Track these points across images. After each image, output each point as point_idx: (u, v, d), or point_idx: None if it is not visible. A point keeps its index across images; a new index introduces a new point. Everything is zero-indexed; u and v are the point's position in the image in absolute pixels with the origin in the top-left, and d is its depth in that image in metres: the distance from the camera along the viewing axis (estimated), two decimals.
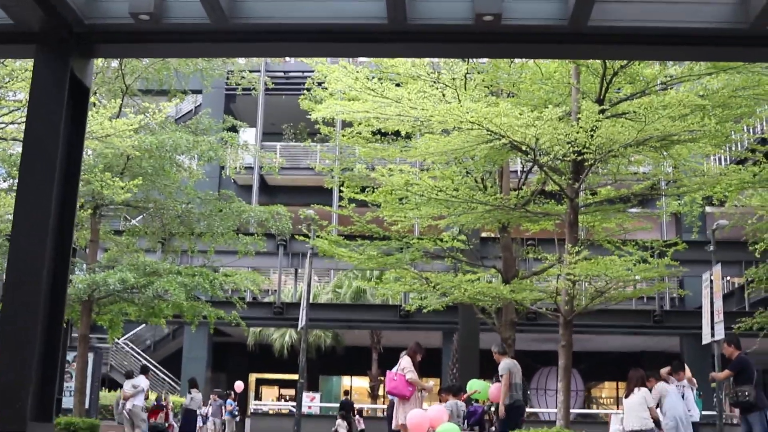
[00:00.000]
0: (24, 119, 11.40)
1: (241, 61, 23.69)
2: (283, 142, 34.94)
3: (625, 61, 13.44)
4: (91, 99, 16.76)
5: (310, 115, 15.82)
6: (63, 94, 5.59)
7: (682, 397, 13.27)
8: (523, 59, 15.74)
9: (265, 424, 27.38)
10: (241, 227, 21.42)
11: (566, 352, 13.80)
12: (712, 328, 18.83)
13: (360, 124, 16.23)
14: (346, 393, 29.13)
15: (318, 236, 19.80)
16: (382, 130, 16.06)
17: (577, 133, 12.74)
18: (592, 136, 12.76)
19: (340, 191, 20.22)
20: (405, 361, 12.55)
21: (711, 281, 19.35)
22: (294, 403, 27.65)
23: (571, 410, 15.44)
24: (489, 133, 12.76)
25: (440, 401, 15.36)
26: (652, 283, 19.73)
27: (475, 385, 15.77)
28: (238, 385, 27.72)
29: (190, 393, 22.63)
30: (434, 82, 14.79)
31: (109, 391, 28.87)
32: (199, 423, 23.86)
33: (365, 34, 5.92)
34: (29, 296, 5.33)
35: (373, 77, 14.61)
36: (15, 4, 5.38)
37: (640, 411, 11.54)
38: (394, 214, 17.74)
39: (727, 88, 13.72)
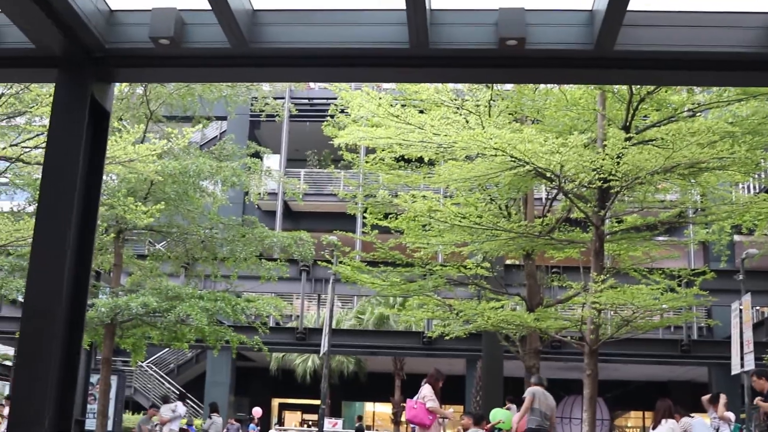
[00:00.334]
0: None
1: (266, 87, 23.79)
2: (307, 168, 35.02)
3: (652, 87, 13.30)
4: (116, 124, 16.96)
5: (333, 141, 15.79)
6: (83, 118, 5.55)
7: (717, 430, 13.00)
8: (548, 86, 15.65)
9: None
10: (264, 253, 21.38)
11: (592, 381, 13.57)
12: (742, 358, 18.48)
13: (383, 150, 16.17)
14: (360, 418, 28.90)
15: (341, 262, 19.71)
16: (405, 157, 15.99)
17: (603, 159, 12.59)
18: (618, 163, 12.61)
19: (364, 217, 20.16)
20: (426, 389, 12.38)
21: (740, 311, 19.02)
22: (316, 429, 27.47)
23: None
24: (513, 159, 12.65)
25: (463, 430, 15.10)
26: (680, 312, 19.43)
27: (498, 415, 15.53)
28: (256, 411, 27.64)
29: (210, 417, 22.56)
30: (458, 109, 14.71)
31: (133, 413, 28.88)
32: None
33: (387, 58, 5.84)
34: (47, 319, 5.27)
35: (396, 103, 14.57)
36: (36, 28, 5.36)
37: None
38: (417, 241, 17.61)
39: (758, 114, 13.53)
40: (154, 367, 34.67)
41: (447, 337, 19.39)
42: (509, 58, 5.73)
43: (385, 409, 37.92)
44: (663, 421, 11.44)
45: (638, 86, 13.29)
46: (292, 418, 40.52)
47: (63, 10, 5.19)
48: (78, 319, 5.51)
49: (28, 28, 5.45)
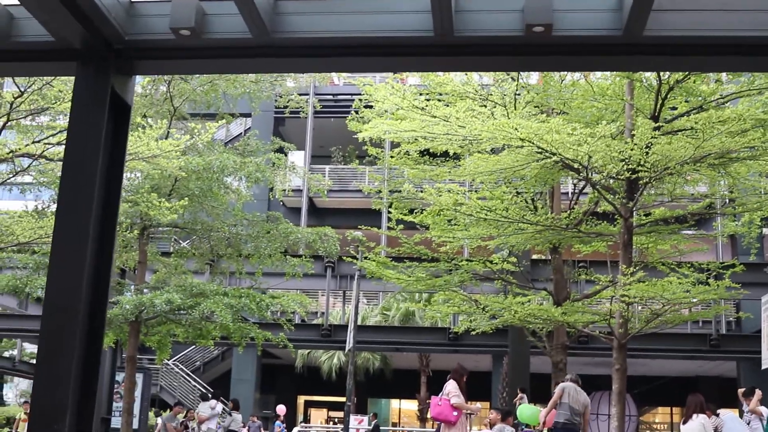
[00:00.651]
0: None
1: (290, 83, 23.74)
2: (331, 164, 34.98)
3: (681, 76, 13.07)
4: (140, 121, 16.96)
5: (358, 135, 15.70)
6: (104, 111, 5.49)
7: (748, 423, 12.82)
8: (574, 77, 15.44)
9: None
10: (289, 249, 21.35)
11: (620, 376, 13.39)
12: None
13: (408, 143, 16.05)
14: (375, 416, 28.80)
15: (366, 258, 19.61)
16: (430, 151, 15.87)
17: (632, 149, 12.40)
18: (647, 153, 12.41)
19: (389, 213, 20.05)
20: (451, 385, 12.26)
21: None
22: (342, 426, 27.45)
23: None
24: (539, 150, 12.48)
25: (489, 425, 14.97)
26: (709, 306, 19.16)
27: (525, 412, 15.39)
28: (280, 409, 27.69)
29: (230, 414, 22.54)
30: (483, 101, 14.56)
31: (159, 412, 29.00)
32: None
33: (411, 47, 5.73)
34: (68, 315, 5.21)
35: (421, 96, 14.45)
36: (55, 21, 5.30)
37: None
38: (442, 235, 17.49)
39: None
40: (180, 365, 34.80)
41: (473, 333, 19.28)
42: (536, 46, 5.60)
43: (410, 406, 37.83)
44: (694, 416, 11.25)
45: (666, 75, 13.08)
46: (318, 416, 40.55)
47: (82, 2, 5.13)
48: (99, 314, 5.45)
49: (47, 21, 5.40)
